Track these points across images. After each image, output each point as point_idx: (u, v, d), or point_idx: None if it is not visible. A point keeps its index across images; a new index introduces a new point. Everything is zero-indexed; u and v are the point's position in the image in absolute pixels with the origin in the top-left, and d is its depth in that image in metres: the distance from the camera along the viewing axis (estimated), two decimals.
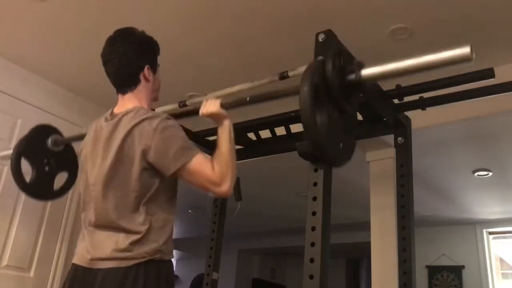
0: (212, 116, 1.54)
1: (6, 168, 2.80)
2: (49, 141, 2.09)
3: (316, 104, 1.09)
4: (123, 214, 1.38)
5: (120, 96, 1.57)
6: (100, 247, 1.37)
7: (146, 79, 1.55)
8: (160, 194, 1.42)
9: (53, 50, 2.75)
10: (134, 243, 1.34)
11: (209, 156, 1.44)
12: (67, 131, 3.17)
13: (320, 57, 1.21)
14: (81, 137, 1.86)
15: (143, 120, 1.41)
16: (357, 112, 2.16)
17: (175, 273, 8.95)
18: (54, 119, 3.11)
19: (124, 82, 1.54)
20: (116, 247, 1.34)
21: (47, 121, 3.04)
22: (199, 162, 1.38)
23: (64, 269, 3.01)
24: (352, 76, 1.19)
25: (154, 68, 1.59)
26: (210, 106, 1.53)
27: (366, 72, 1.20)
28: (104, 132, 1.47)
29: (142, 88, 1.55)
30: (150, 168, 1.39)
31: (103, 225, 1.40)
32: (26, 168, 2.12)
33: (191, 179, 1.40)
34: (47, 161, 2.09)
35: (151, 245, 1.35)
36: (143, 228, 1.36)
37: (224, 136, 1.50)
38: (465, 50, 1.07)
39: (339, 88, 1.16)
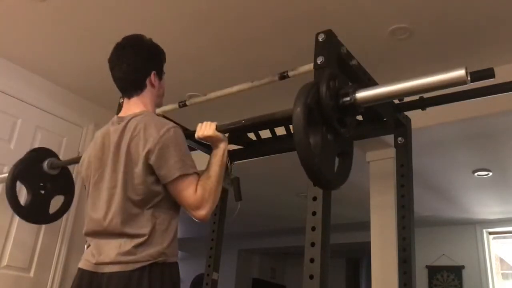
0: (207, 139, 1.56)
1: (6, 168, 2.80)
2: (45, 164, 2.08)
3: (310, 126, 1.07)
4: (127, 218, 1.38)
5: (125, 100, 1.59)
6: (104, 251, 1.38)
7: (152, 85, 1.58)
8: (166, 198, 1.42)
9: (53, 50, 2.75)
10: (137, 246, 1.35)
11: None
12: (67, 131, 3.19)
13: (315, 80, 1.20)
14: (77, 160, 1.85)
15: (150, 125, 1.42)
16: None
17: None
18: (54, 119, 3.11)
19: (131, 86, 1.56)
20: (120, 251, 1.34)
21: (47, 121, 3.06)
22: (190, 181, 1.40)
23: (64, 270, 3.01)
24: (346, 99, 1.18)
25: (160, 74, 1.62)
26: (206, 129, 1.55)
27: (361, 94, 1.19)
28: (112, 137, 1.47)
29: (148, 93, 1.57)
30: (153, 173, 1.39)
31: (106, 230, 1.40)
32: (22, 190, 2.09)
33: (175, 192, 1.41)
34: (43, 184, 2.09)
35: (154, 248, 1.36)
36: (147, 231, 1.36)
37: (216, 160, 1.52)
38: (460, 72, 1.06)
39: (333, 110, 1.15)
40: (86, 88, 3.18)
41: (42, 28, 2.53)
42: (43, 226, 2.93)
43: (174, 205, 1.45)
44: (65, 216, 3.06)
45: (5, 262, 2.70)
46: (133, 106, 1.55)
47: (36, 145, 2.99)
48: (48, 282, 2.92)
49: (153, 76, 1.57)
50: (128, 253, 1.34)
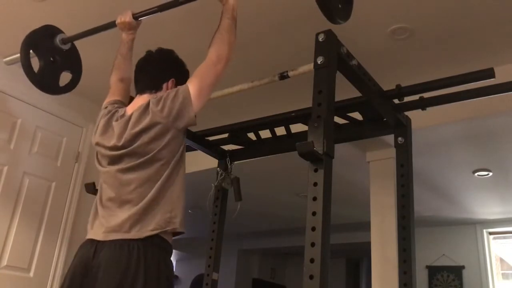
0: None
1: (6, 168, 2.80)
2: (57, 39, 2.13)
3: None
4: (136, 189, 1.43)
5: (137, 97, 1.63)
6: (114, 220, 1.41)
7: (167, 90, 1.60)
8: (172, 167, 1.46)
9: None
10: (145, 214, 1.39)
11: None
12: (67, 131, 3.18)
13: None
14: (87, 34, 1.98)
15: (147, 104, 1.49)
16: (357, 112, 2.17)
17: (175, 273, 8.95)
18: (54, 119, 3.11)
19: (147, 83, 1.62)
20: (128, 221, 1.38)
21: (47, 121, 3.06)
22: (193, 83, 1.50)
23: (64, 269, 3.01)
24: None
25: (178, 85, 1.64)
26: None
27: None
28: (116, 130, 1.51)
29: (160, 95, 1.58)
30: (168, 138, 1.44)
31: (116, 200, 1.45)
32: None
33: (207, 91, 1.53)
34: (53, 58, 2.13)
35: (162, 216, 1.40)
36: (152, 198, 1.41)
37: (226, 13, 1.67)
38: None
39: None
40: (86, 88, 3.17)
41: None
42: (43, 226, 2.94)
43: (181, 174, 1.50)
44: (65, 216, 3.08)
45: (5, 262, 2.70)
46: (140, 101, 1.58)
47: (36, 145, 2.99)
48: (48, 282, 2.92)
49: (171, 83, 1.62)
50: (135, 222, 1.38)
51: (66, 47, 2.15)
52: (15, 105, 2.90)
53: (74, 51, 2.23)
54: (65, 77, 2.14)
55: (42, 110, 3.04)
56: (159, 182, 1.43)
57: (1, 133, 2.81)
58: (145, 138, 1.44)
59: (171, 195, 1.44)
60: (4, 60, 2.14)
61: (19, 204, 2.83)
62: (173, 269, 1.50)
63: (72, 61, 2.22)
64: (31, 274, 2.85)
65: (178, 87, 1.51)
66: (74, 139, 3.23)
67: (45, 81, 2.10)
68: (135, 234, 1.37)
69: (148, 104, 1.48)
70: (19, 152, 2.89)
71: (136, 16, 1.78)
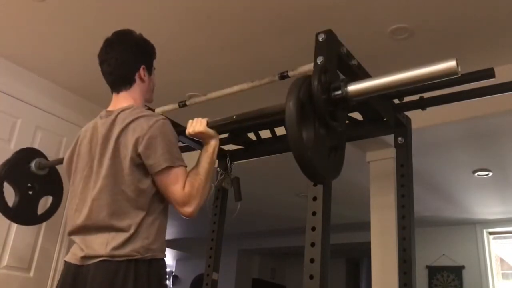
0: (198, 135, 1.56)
1: None
2: (33, 164, 2.04)
3: (302, 120, 1.07)
4: (115, 212, 1.37)
5: (114, 95, 1.59)
6: (92, 246, 1.37)
7: (141, 80, 1.58)
8: (154, 194, 1.42)
9: (52, 49, 2.75)
10: (125, 241, 1.34)
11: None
12: (67, 131, 3.18)
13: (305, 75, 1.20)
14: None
15: (140, 117, 1.43)
16: (357, 112, 2.17)
17: (175, 273, 8.95)
18: (54, 119, 3.11)
19: (120, 81, 1.56)
20: (107, 245, 1.34)
21: (47, 121, 3.06)
22: (177, 175, 1.39)
23: None
24: (338, 92, 1.18)
25: (149, 69, 1.62)
26: (197, 125, 1.56)
27: (352, 88, 1.19)
28: (101, 130, 1.47)
29: (137, 88, 1.57)
30: (142, 164, 1.39)
31: (94, 225, 1.39)
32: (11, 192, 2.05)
33: (162, 185, 1.40)
34: (31, 185, 2.05)
35: (141, 242, 1.36)
36: (134, 225, 1.36)
37: (205, 156, 1.52)
38: (451, 63, 1.08)
39: (325, 104, 1.14)
40: (86, 88, 3.17)
41: (41, 28, 2.53)
42: (43, 226, 2.93)
43: (162, 200, 1.45)
44: (64, 216, 3.07)
45: (5, 262, 2.70)
46: (122, 100, 1.55)
47: (36, 145, 2.99)
48: (48, 282, 2.92)
49: (142, 71, 1.57)
50: (115, 247, 1.33)
51: (43, 172, 2.06)
52: (15, 105, 2.90)
53: (53, 172, 2.14)
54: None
55: (42, 110, 3.04)
56: (143, 210, 1.38)
57: (1, 133, 2.81)
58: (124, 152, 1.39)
59: (149, 219, 1.40)
60: None
61: None
62: (165, 272, 1.46)
63: (51, 184, 2.13)
64: (31, 274, 2.84)
65: (166, 148, 1.40)
66: (74, 139, 3.23)
67: (22, 215, 2.02)
68: (114, 259, 1.33)
69: (134, 120, 1.42)
70: None
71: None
